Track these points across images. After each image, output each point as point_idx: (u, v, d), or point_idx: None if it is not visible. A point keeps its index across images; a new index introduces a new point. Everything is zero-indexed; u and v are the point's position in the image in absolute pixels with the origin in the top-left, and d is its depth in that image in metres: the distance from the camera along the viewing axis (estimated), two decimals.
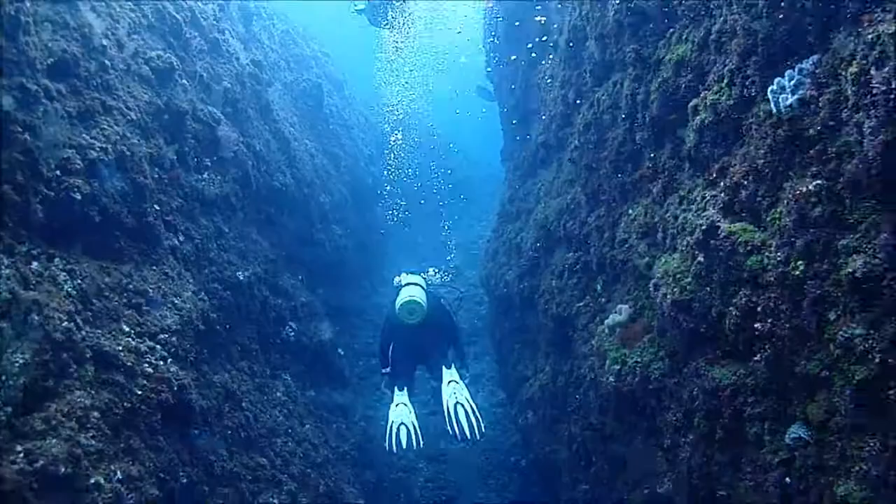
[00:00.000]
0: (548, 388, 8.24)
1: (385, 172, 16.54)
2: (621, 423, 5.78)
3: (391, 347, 7.29)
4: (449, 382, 6.83)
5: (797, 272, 3.39)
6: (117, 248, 5.67)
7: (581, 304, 7.04)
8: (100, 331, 4.94)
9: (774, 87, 3.58)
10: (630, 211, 5.83)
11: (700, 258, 4.20)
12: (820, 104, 3.29)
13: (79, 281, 4.89)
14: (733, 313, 3.93)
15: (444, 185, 18.29)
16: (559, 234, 7.97)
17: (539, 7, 9.39)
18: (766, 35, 3.73)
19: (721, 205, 4.07)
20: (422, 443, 6.75)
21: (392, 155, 16.60)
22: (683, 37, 4.81)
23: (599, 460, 6.55)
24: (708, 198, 4.25)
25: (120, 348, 5.01)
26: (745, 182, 3.89)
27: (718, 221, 4.03)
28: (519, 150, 11.30)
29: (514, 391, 10.30)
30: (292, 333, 9.33)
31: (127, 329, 5.27)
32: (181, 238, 6.71)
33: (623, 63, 5.88)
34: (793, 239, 3.41)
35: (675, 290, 4.44)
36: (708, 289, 4.16)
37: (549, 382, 8.23)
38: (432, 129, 21.09)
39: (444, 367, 7.00)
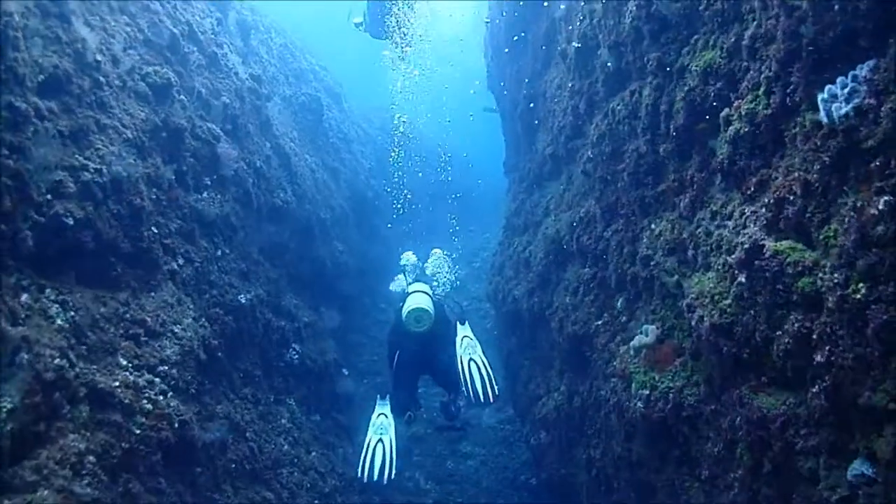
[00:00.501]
0: (563, 409, 7.92)
1: (394, 178, 16.18)
2: (650, 451, 5.44)
3: (396, 355, 7.13)
4: (463, 338, 6.78)
5: (858, 296, 3.08)
6: (113, 276, 5.34)
7: (599, 322, 6.73)
8: (95, 366, 4.61)
9: (825, 95, 3.28)
10: (652, 226, 5.52)
11: (741, 279, 3.89)
12: (881, 113, 2.99)
13: (72, 313, 4.56)
14: (783, 339, 3.61)
15: (449, 195, 18.01)
16: (572, 249, 7.66)
17: (544, 16, 9.12)
18: (811, 39, 3.43)
19: (764, 221, 3.76)
20: (394, 473, 6.45)
21: (397, 163, 16.28)
22: (710, 43, 4.52)
23: (624, 487, 6.22)
24: (748, 214, 3.94)
25: (117, 384, 4.68)
26: (791, 197, 3.59)
27: (762, 240, 3.72)
28: (524, 161, 11.00)
29: (526, 409, 9.98)
30: (296, 356, 9.00)
31: (124, 363, 4.94)
32: (180, 262, 6.38)
33: (641, 71, 5.59)
34: (852, 260, 3.11)
35: (713, 312, 4.12)
36: (752, 312, 3.84)
37: (564, 403, 7.91)
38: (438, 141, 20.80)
39: (458, 323, 7.02)
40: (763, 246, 3.70)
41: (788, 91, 3.66)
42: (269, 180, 9.31)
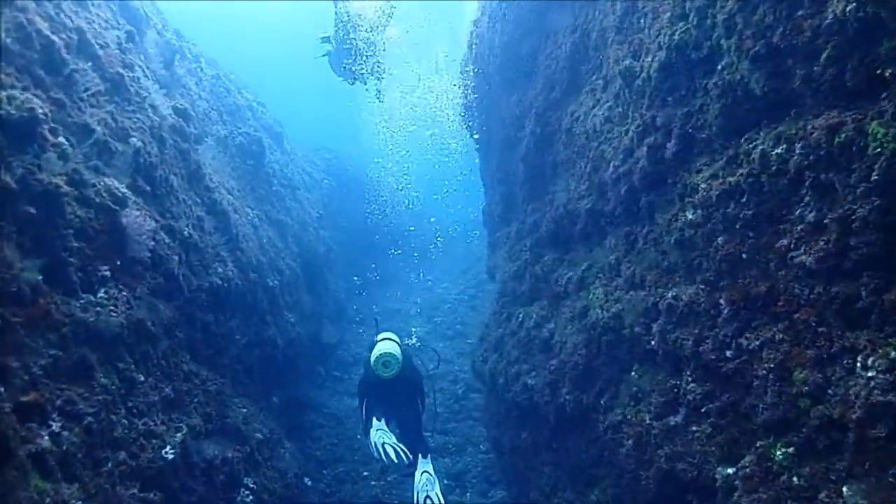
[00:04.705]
0: None
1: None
2: None
3: (365, 402, 7.20)
4: (423, 472, 6.72)
5: None
6: None
7: (732, 470, 4.19)
8: None
9: None
10: (891, 352, 3.04)
11: None
12: None
13: None
14: None
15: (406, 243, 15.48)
16: (647, 346, 5.16)
17: (567, 28, 6.67)
18: None
19: None
20: (411, 457, 6.63)
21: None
22: None
23: None
24: None
25: None
26: None
27: None
28: (525, 213, 8.50)
29: None
30: (249, 497, 6.08)
31: None
32: (56, 428, 3.47)
33: (854, 95, 3.17)
34: None
35: None
36: None
37: None
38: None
39: (420, 454, 6.86)
40: None
41: None
42: (202, 252, 6.42)
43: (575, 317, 6.64)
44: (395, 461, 6.52)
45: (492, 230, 10.60)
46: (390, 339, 7.36)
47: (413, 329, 9.37)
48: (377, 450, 6.58)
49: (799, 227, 3.59)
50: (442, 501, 6.56)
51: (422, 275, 15.75)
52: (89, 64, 5.20)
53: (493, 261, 9.98)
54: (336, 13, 10.50)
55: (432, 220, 19.83)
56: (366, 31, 10.24)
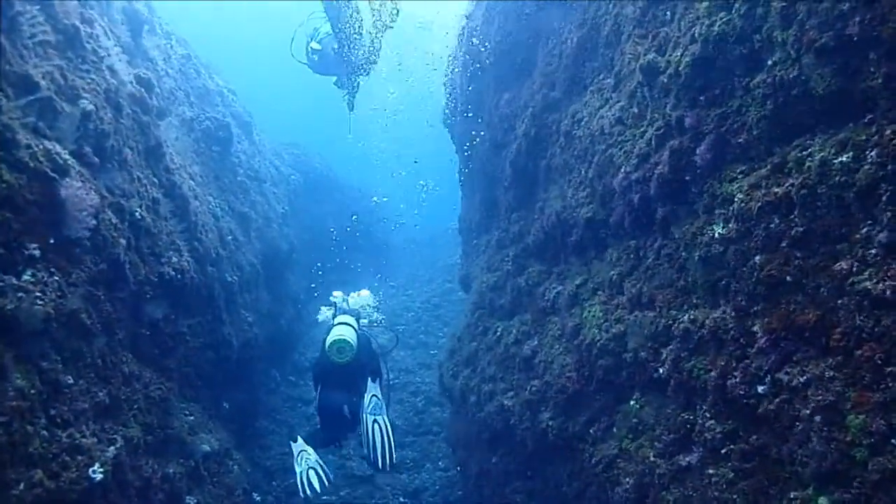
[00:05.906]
0: None
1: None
2: None
3: (319, 388, 7.08)
4: (371, 397, 6.49)
5: None
6: None
7: None
8: None
9: None
10: None
11: None
12: None
13: None
14: None
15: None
16: (655, 374, 4.58)
17: (575, 22, 6.11)
18: None
19: None
20: (332, 478, 6.46)
21: None
22: None
23: None
24: None
25: None
26: None
27: None
28: (508, 221, 7.90)
29: None
30: None
31: None
32: None
33: None
34: None
35: None
36: None
37: None
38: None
39: (370, 379, 6.68)
40: None
41: None
42: (154, 238, 5.62)
43: (564, 335, 6.06)
44: (319, 490, 6.24)
45: (468, 237, 9.97)
46: (346, 324, 7.04)
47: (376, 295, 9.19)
48: (300, 482, 6.25)
49: (866, 250, 3.05)
50: (389, 428, 6.28)
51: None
52: (37, 7, 4.41)
53: (468, 270, 9.35)
54: (326, 8, 9.80)
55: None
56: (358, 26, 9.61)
